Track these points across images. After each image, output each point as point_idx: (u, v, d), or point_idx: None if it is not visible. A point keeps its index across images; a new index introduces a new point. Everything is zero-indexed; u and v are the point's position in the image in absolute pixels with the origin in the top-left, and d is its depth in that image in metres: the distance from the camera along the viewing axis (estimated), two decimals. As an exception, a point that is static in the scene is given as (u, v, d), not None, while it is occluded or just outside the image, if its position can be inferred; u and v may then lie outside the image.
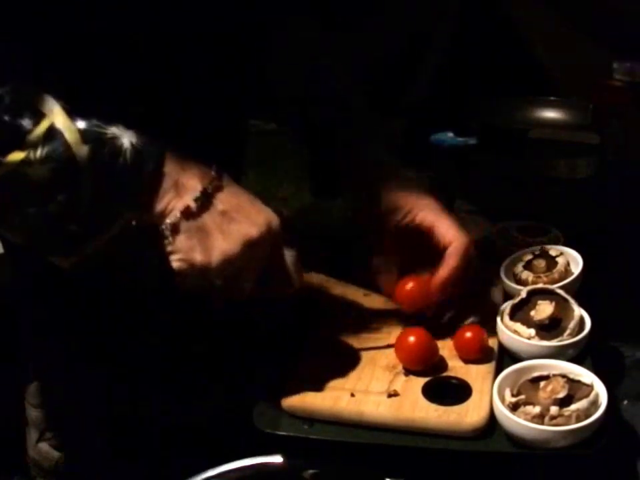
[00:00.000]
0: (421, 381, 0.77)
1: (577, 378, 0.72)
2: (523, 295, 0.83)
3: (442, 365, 0.79)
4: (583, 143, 1.24)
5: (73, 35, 0.72)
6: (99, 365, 0.91)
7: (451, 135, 1.41)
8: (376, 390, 0.76)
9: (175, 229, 0.69)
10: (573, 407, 0.68)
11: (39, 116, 0.65)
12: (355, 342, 0.84)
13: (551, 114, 1.38)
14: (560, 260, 0.90)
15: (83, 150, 0.66)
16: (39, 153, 0.65)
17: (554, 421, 0.68)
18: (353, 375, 0.79)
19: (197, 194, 0.69)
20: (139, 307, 0.88)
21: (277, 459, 0.73)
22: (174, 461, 0.91)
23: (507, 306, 0.84)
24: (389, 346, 0.82)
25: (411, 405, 0.73)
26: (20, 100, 0.66)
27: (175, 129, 0.80)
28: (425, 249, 0.85)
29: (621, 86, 1.23)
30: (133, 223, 0.69)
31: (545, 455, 0.69)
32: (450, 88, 1.48)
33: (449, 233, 0.83)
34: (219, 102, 0.87)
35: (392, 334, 0.84)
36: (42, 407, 0.92)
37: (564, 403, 0.69)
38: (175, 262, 0.69)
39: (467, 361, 0.80)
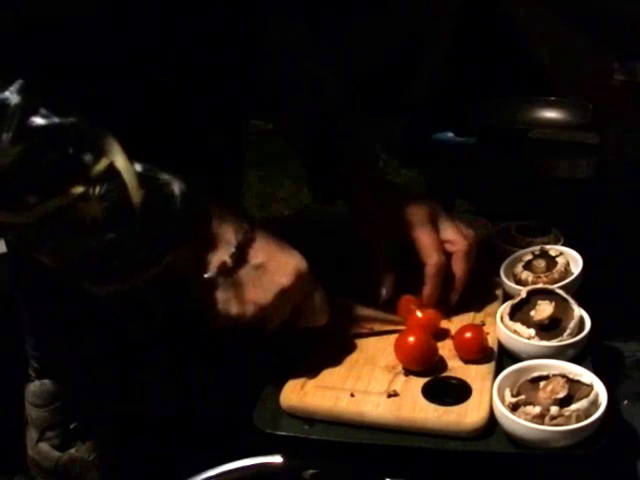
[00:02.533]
0: (421, 381, 0.77)
1: (576, 378, 0.72)
2: (523, 295, 0.83)
3: (442, 365, 0.79)
4: (583, 143, 1.25)
5: (75, 38, 0.73)
6: (98, 364, 0.91)
7: (450, 135, 1.41)
8: (376, 390, 0.76)
9: (212, 283, 0.72)
10: (573, 406, 0.68)
11: (100, 152, 0.66)
12: (355, 341, 0.84)
13: (551, 114, 1.39)
14: (560, 260, 0.90)
15: (138, 194, 0.67)
16: (97, 190, 0.65)
17: (554, 421, 0.68)
18: (353, 375, 0.79)
19: (233, 250, 0.72)
20: (140, 307, 0.88)
21: (277, 459, 0.73)
22: (174, 460, 0.91)
23: (506, 306, 0.84)
24: (394, 331, 0.84)
25: (410, 405, 0.73)
26: (83, 134, 0.66)
27: (175, 129, 0.81)
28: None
29: (621, 86, 1.23)
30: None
31: (545, 455, 0.69)
32: (450, 88, 1.48)
33: (423, 251, 0.86)
34: (219, 102, 0.87)
35: (392, 333, 0.84)
36: (42, 407, 0.92)
37: (564, 403, 0.69)
38: (213, 310, 0.73)
39: (466, 361, 0.80)
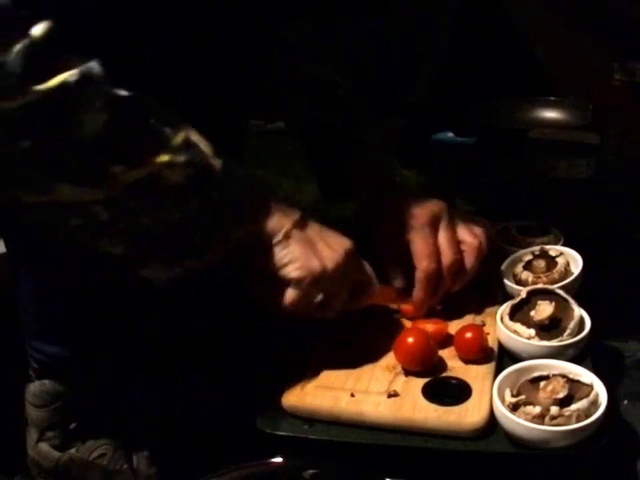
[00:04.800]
0: (421, 381, 0.77)
1: (576, 378, 0.72)
2: (523, 295, 0.83)
3: (441, 365, 0.79)
4: (583, 143, 1.24)
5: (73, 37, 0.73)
6: (98, 364, 0.91)
7: (450, 135, 1.41)
8: (376, 390, 0.76)
9: (288, 236, 0.75)
10: (574, 406, 0.68)
11: (176, 126, 0.69)
12: (356, 341, 0.84)
13: (551, 114, 1.39)
14: (560, 260, 0.90)
15: (217, 162, 0.70)
16: (181, 158, 0.68)
17: (554, 421, 0.68)
18: (353, 375, 0.79)
19: (299, 215, 0.77)
20: (140, 307, 0.88)
21: (277, 459, 0.73)
22: (174, 461, 0.91)
23: (506, 306, 0.84)
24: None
25: (410, 405, 0.74)
26: (159, 108, 0.69)
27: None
28: None
29: (621, 86, 1.23)
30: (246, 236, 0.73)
31: (545, 455, 0.69)
32: (450, 88, 1.48)
33: (415, 256, 0.87)
34: (219, 102, 0.87)
35: (392, 333, 0.84)
36: (42, 407, 0.92)
37: (564, 403, 0.69)
38: (295, 270, 0.75)
39: (466, 361, 0.80)
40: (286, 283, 0.75)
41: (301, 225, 0.76)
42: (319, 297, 0.76)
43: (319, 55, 0.96)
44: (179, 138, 0.68)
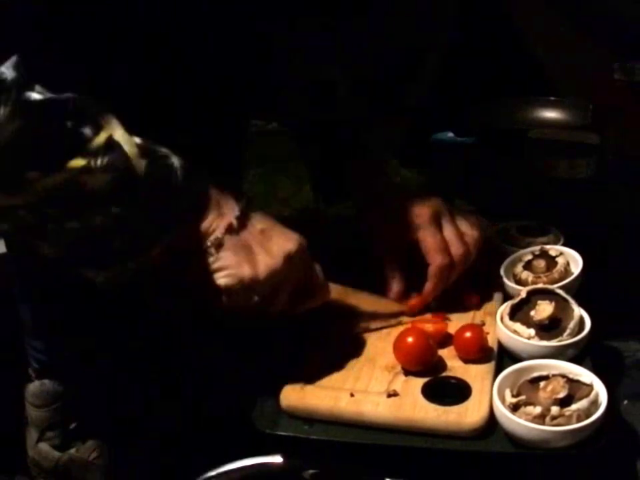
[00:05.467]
0: (421, 381, 0.77)
1: (576, 378, 0.72)
2: (523, 295, 0.83)
3: (441, 365, 0.79)
4: (583, 143, 1.24)
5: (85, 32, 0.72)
6: (98, 364, 0.91)
7: (450, 135, 1.41)
8: (375, 390, 0.76)
9: (220, 244, 0.72)
10: (574, 406, 0.68)
11: (98, 126, 0.66)
12: (355, 341, 0.84)
13: (551, 114, 1.38)
14: (560, 260, 0.90)
15: (141, 163, 0.67)
16: (99, 161, 0.65)
17: (555, 421, 0.68)
18: (353, 375, 0.79)
19: (237, 213, 0.73)
20: (139, 307, 0.88)
21: (277, 459, 0.73)
22: (174, 461, 0.91)
23: (506, 306, 0.84)
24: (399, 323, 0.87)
25: (410, 405, 0.73)
26: (81, 108, 0.66)
27: (175, 129, 0.80)
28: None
29: (621, 86, 1.23)
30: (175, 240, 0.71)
31: (545, 455, 0.69)
32: (450, 88, 1.48)
33: (429, 253, 0.88)
34: (220, 102, 0.87)
35: (392, 333, 0.84)
36: (42, 407, 0.92)
37: (564, 403, 0.69)
38: (223, 278, 0.72)
39: (466, 360, 0.80)
40: (217, 288, 0.73)
41: (237, 226, 0.73)
42: (254, 299, 0.73)
43: (318, 55, 0.96)
44: (100, 139, 0.65)
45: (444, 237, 0.88)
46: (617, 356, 0.93)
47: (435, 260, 0.87)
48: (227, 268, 0.72)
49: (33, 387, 0.92)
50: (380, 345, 0.84)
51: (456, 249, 0.88)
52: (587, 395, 0.70)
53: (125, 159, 0.66)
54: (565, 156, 1.22)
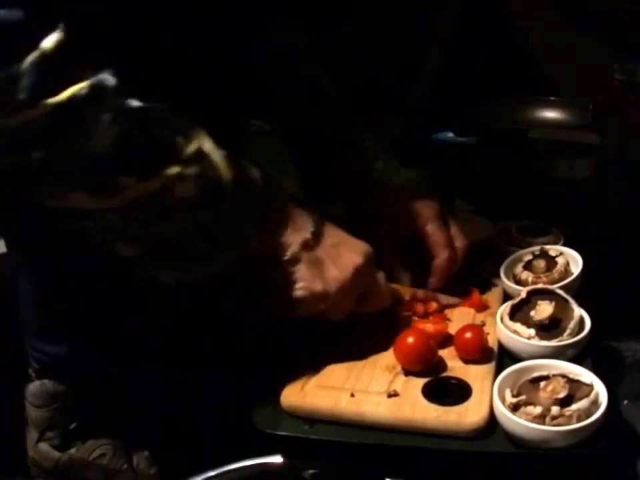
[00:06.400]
0: (421, 381, 0.77)
1: (576, 378, 0.72)
2: (523, 295, 0.83)
3: (441, 365, 0.79)
4: (582, 143, 1.24)
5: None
6: (98, 364, 0.91)
7: (450, 135, 1.41)
8: (376, 390, 0.76)
9: (296, 260, 0.76)
10: (574, 406, 0.68)
11: (189, 136, 0.68)
12: (355, 341, 0.84)
13: (551, 114, 1.38)
14: (560, 260, 0.90)
15: (228, 174, 0.70)
16: (191, 170, 0.68)
17: (555, 421, 0.68)
18: (353, 375, 0.79)
19: (312, 229, 0.77)
20: (141, 308, 0.88)
21: (277, 459, 0.73)
22: (174, 460, 0.91)
23: (506, 306, 0.84)
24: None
25: (410, 405, 0.73)
26: (174, 118, 0.69)
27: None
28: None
29: (621, 86, 1.23)
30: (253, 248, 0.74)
31: (545, 455, 0.69)
32: (450, 88, 1.48)
33: (435, 247, 0.90)
34: (219, 102, 0.87)
35: (392, 333, 0.84)
36: (42, 407, 0.92)
37: (564, 402, 0.69)
38: (298, 290, 0.76)
39: (466, 361, 0.80)
40: (289, 299, 0.77)
41: (312, 241, 0.76)
42: (322, 307, 0.77)
43: (304, 55, 0.96)
44: (191, 148, 0.68)
45: (449, 232, 0.91)
46: (616, 356, 0.93)
47: (443, 254, 0.89)
48: (301, 281, 0.76)
49: (33, 386, 0.92)
50: (380, 345, 0.84)
51: (460, 243, 0.91)
52: (587, 395, 0.70)
53: (214, 168, 0.69)
54: (565, 156, 1.22)
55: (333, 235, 0.78)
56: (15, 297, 0.91)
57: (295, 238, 0.76)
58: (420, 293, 0.91)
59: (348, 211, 0.98)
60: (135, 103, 0.66)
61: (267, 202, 0.74)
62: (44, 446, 0.92)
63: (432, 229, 0.90)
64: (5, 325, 0.94)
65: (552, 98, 1.39)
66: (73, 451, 0.92)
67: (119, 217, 0.67)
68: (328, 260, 0.77)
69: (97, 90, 0.64)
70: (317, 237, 0.77)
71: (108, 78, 0.65)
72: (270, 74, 0.94)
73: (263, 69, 0.93)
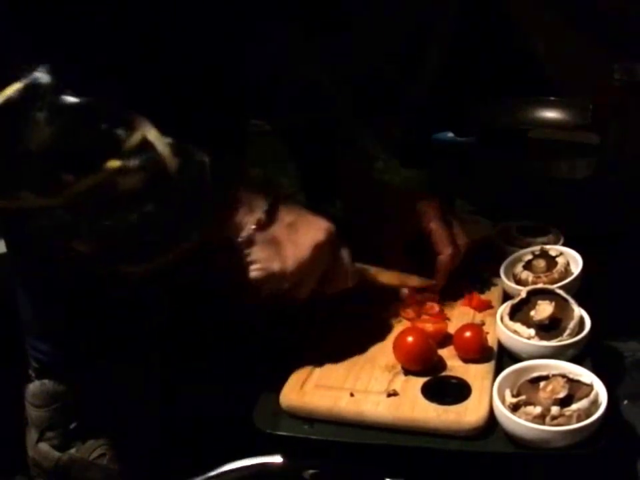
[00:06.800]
0: (420, 381, 0.77)
1: (576, 378, 0.72)
2: (523, 295, 0.83)
3: (441, 364, 0.79)
4: (582, 143, 1.24)
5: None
6: (99, 364, 0.91)
7: (450, 135, 1.41)
8: (375, 390, 0.76)
9: (251, 240, 0.74)
10: (574, 406, 0.68)
11: (131, 127, 0.68)
12: (355, 341, 0.84)
13: (551, 114, 1.38)
14: (560, 260, 0.90)
15: (173, 162, 0.69)
16: (133, 162, 0.67)
17: (555, 421, 0.68)
18: (353, 375, 0.79)
19: (266, 207, 0.75)
20: (141, 308, 0.88)
21: (277, 459, 0.73)
22: (174, 461, 0.91)
23: (506, 306, 0.84)
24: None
25: (410, 405, 0.73)
26: (114, 110, 0.68)
27: (175, 130, 0.80)
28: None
29: (621, 86, 1.23)
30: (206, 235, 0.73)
31: (545, 455, 0.69)
32: (450, 88, 1.48)
33: (439, 245, 0.91)
34: (219, 102, 0.87)
35: (392, 333, 0.84)
36: (42, 407, 0.92)
37: (564, 402, 0.69)
38: (254, 272, 0.75)
39: (466, 360, 0.80)
40: (247, 281, 0.76)
41: (266, 221, 0.75)
42: (282, 288, 0.76)
43: (304, 56, 0.96)
44: (133, 140, 0.67)
45: (452, 230, 0.92)
46: (616, 356, 0.93)
47: (447, 250, 0.90)
48: (257, 262, 0.75)
49: (33, 386, 0.92)
50: (380, 345, 0.84)
51: (461, 240, 0.92)
52: (587, 395, 0.70)
53: (158, 158, 0.68)
54: (565, 156, 1.22)
55: (291, 213, 0.77)
56: (15, 297, 0.91)
57: (247, 218, 0.74)
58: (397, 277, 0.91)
59: (348, 211, 0.98)
60: (70, 99, 0.65)
61: (216, 186, 0.72)
62: (44, 446, 0.92)
63: (435, 227, 0.91)
64: (5, 325, 0.94)
65: (552, 98, 1.39)
66: (73, 451, 0.92)
67: (69, 214, 0.67)
68: (285, 239, 0.75)
69: (31, 90, 0.64)
70: (271, 215, 0.75)
71: (42, 76, 0.64)
72: (270, 74, 0.94)
73: (263, 70, 0.93)
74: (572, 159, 1.22)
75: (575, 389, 0.71)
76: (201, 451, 0.89)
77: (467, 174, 1.31)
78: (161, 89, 0.80)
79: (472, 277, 0.94)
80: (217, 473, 0.72)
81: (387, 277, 0.90)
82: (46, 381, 0.91)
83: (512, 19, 1.46)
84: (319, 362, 0.81)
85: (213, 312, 0.94)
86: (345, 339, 0.84)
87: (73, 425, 0.92)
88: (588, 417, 0.68)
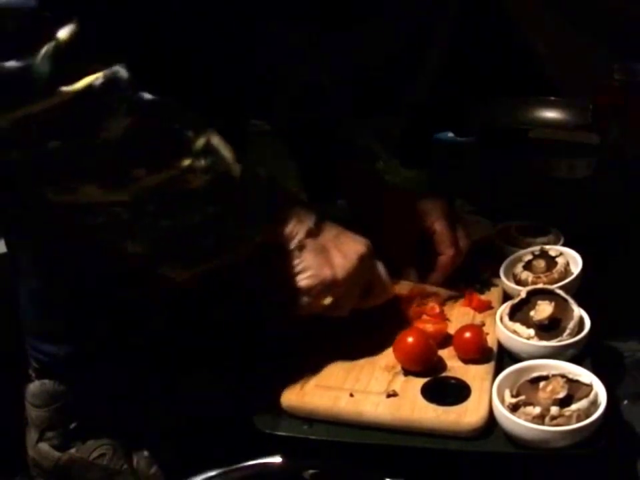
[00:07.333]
0: (420, 381, 0.77)
1: (576, 378, 0.72)
2: (523, 295, 0.83)
3: (441, 365, 0.79)
4: (582, 143, 1.24)
5: None
6: (99, 364, 0.91)
7: (450, 135, 1.41)
8: (375, 390, 0.76)
9: (302, 246, 0.77)
10: (574, 406, 0.68)
11: (198, 129, 0.69)
12: (355, 341, 0.84)
13: (551, 114, 1.38)
14: (560, 260, 0.90)
15: (237, 167, 0.71)
16: (202, 162, 0.69)
17: (555, 421, 0.68)
18: (352, 375, 0.79)
19: (315, 219, 0.78)
20: (141, 308, 0.88)
21: (277, 459, 0.73)
22: (174, 461, 0.91)
23: (506, 306, 0.84)
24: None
25: (410, 405, 0.73)
26: (182, 112, 0.69)
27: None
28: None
29: (621, 86, 1.23)
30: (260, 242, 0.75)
31: (545, 455, 0.69)
32: (450, 88, 1.48)
33: (441, 245, 0.92)
34: (219, 102, 0.87)
35: (392, 333, 0.84)
36: (42, 407, 0.92)
37: (564, 403, 0.69)
38: (306, 279, 0.77)
39: (466, 361, 0.80)
40: (298, 289, 0.77)
41: (315, 231, 0.78)
42: (329, 300, 0.78)
43: (305, 56, 0.96)
44: (200, 142, 0.69)
45: (455, 231, 0.93)
46: (617, 356, 0.93)
47: (450, 251, 0.91)
48: (309, 269, 0.77)
49: (33, 386, 0.92)
50: (380, 345, 0.84)
51: (463, 242, 0.93)
52: (587, 395, 0.70)
53: (224, 162, 0.70)
54: (565, 156, 1.22)
55: (334, 227, 0.80)
56: (15, 297, 0.91)
57: (299, 228, 0.77)
58: (420, 288, 0.91)
59: (349, 210, 0.98)
60: (147, 95, 0.67)
61: (273, 196, 0.75)
62: (44, 446, 0.92)
63: (440, 227, 0.92)
64: (5, 325, 0.94)
65: (552, 98, 1.39)
66: (72, 451, 0.92)
67: (129, 211, 0.68)
68: (333, 248, 0.78)
69: (112, 81, 0.65)
70: (320, 227, 0.78)
71: (121, 70, 0.66)
72: (270, 74, 0.94)
73: (264, 70, 0.93)
74: (572, 159, 1.22)
75: (575, 389, 0.71)
76: (201, 451, 0.89)
77: (467, 174, 1.32)
78: (161, 89, 0.80)
79: (472, 277, 0.94)
80: (217, 472, 0.72)
81: (403, 288, 0.91)
82: (46, 381, 0.91)
83: (512, 19, 1.46)
84: (319, 362, 0.81)
85: (214, 313, 0.94)
86: (345, 340, 0.84)
87: (73, 425, 0.92)
88: (588, 417, 0.68)
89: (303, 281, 0.77)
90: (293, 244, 0.76)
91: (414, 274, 0.94)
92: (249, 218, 0.74)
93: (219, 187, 0.70)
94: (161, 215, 0.69)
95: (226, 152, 0.71)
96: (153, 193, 0.68)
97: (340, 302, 0.79)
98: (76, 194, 0.67)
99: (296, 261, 0.77)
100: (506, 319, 0.81)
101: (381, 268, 0.83)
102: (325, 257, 0.77)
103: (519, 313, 0.82)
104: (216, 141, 0.70)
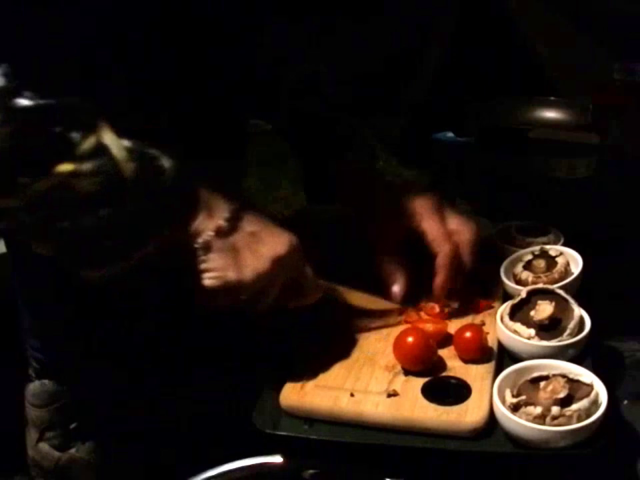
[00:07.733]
0: (420, 381, 0.77)
1: (576, 378, 0.72)
2: (523, 295, 0.83)
3: (441, 364, 0.79)
4: (582, 143, 1.24)
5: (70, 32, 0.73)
6: (99, 364, 0.91)
7: (450, 134, 1.41)
8: (375, 390, 0.76)
9: (208, 247, 0.72)
10: (574, 406, 0.68)
11: (87, 130, 0.67)
12: (355, 341, 0.84)
13: (551, 114, 1.38)
14: (560, 260, 0.90)
15: (129, 167, 0.68)
16: (87, 166, 0.66)
17: (555, 421, 0.68)
18: (353, 375, 0.79)
19: (227, 215, 0.73)
20: (140, 308, 0.88)
21: (277, 459, 0.73)
22: (174, 460, 0.91)
23: (506, 306, 0.84)
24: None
25: (410, 405, 0.73)
26: (69, 112, 0.67)
27: (175, 130, 0.80)
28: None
29: (621, 86, 1.23)
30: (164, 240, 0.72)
31: (545, 455, 0.69)
32: (450, 88, 1.48)
33: (434, 243, 0.87)
34: (219, 102, 0.87)
35: (392, 333, 0.84)
36: (42, 407, 0.92)
37: (565, 403, 0.69)
38: (209, 280, 0.72)
39: (466, 360, 0.80)
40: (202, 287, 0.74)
41: (226, 228, 0.73)
42: (241, 299, 0.74)
43: (304, 54, 0.96)
44: (88, 143, 0.67)
45: (447, 227, 0.88)
46: (616, 356, 0.93)
47: (444, 247, 0.86)
48: (213, 270, 0.72)
49: (33, 386, 0.92)
50: (380, 345, 0.84)
51: (464, 236, 0.88)
52: (587, 395, 0.70)
53: (112, 162, 0.67)
54: (565, 156, 1.22)
55: (254, 223, 0.75)
56: (15, 297, 0.91)
57: (207, 224, 0.72)
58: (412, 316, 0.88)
59: (348, 210, 0.98)
60: (24, 102, 0.65)
61: (173, 191, 0.71)
62: (44, 446, 0.92)
63: (428, 226, 0.87)
64: (5, 325, 0.94)
65: (552, 98, 1.39)
66: (72, 451, 0.92)
67: (27, 215, 0.67)
68: (245, 248, 0.73)
69: None
70: (234, 223, 0.73)
71: None
72: (271, 74, 0.94)
73: (264, 69, 0.93)
74: (572, 159, 1.22)
75: (575, 389, 0.71)
76: (201, 451, 0.89)
77: (467, 174, 1.31)
78: (160, 89, 0.80)
79: (472, 277, 0.94)
80: (217, 472, 0.72)
81: (353, 298, 0.88)
82: (46, 381, 0.91)
83: (512, 19, 1.46)
84: (319, 362, 0.81)
85: (214, 312, 0.94)
86: (345, 339, 0.84)
87: (73, 425, 0.92)
88: (588, 417, 0.68)
89: (206, 281, 0.73)
90: (197, 243, 0.72)
91: (401, 280, 0.89)
92: (147, 218, 0.70)
93: (108, 189, 0.67)
94: (56, 219, 0.67)
95: (118, 151, 0.68)
96: (41, 198, 0.66)
97: (253, 301, 0.75)
98: None
99: (202, 258, 0.72)
100: (506, 318, 0.81)
101: (307, 269, 0.78)
102: (232, 258, 0.73)
103: (519, 312, 0.82)
104: (109, 139, 0.68)
